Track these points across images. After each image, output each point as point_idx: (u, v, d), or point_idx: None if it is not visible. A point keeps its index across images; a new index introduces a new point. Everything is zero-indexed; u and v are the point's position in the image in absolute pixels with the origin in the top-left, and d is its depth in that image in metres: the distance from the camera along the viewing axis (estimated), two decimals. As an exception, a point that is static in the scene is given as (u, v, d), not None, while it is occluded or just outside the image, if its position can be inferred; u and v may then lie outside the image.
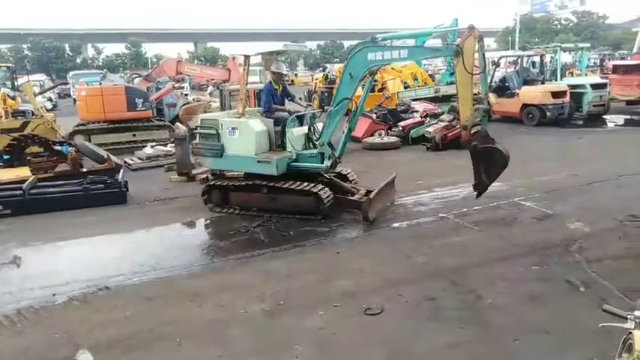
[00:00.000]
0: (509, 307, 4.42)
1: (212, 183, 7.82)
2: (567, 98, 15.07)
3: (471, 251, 5.75)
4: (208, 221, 7.40)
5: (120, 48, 69.72)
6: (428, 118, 13.65)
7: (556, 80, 17.11)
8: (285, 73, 8.07)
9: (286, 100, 7.94)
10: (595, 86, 16.03)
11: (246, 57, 8.10)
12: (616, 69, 18.98)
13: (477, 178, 6.27)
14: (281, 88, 7.81)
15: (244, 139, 7.14)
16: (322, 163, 7.03)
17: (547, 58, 18.09)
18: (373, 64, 6.58)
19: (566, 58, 21.56)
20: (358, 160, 10.77)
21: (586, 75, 20.57)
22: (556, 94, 14.95)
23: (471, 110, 6.11)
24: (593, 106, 15.80)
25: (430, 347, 3.88)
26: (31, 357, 3.87)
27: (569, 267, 5.22)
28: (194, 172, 9.85)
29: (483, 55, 5.98)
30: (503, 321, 4.20)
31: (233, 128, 7.25)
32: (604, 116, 16.57)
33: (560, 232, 6.23)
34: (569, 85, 15.57)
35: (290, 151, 7.17)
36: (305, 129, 7.44)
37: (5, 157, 10.18)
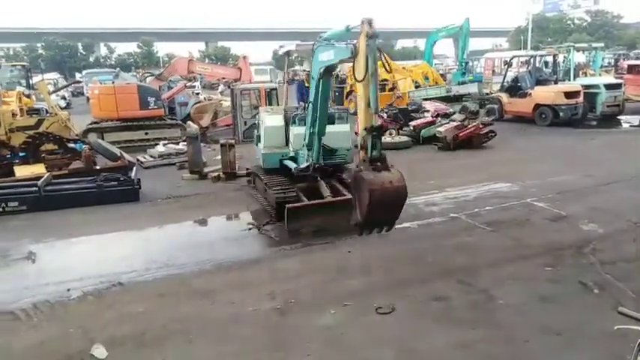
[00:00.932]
0: (521, 307, 4.41)
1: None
2: (581, 98, 14.91)
3: (483, 251, 5.72)
4: (220, 219, 7.45)
5: (132, 47, 70.30)
6: (439, 118, 13.58)
7: (569, 80, 16.95)
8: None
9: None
10: (609, 86, 15.85)
11: (287, 54, 8.26)
12: (631, 69, 18.78)
13: (354, 208, 5.06)
14: None
15: (261, 131, 7.86)
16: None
17: (560, 58, 17.94)
18: (322, 64, 6.06)
19: (579, 57, 21.35)
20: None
21: (600, 75, 20.35)
22: (569, 95, 14.81)
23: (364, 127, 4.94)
24: (607, 106, 15.63)
25: (440, 347, 3.87)
26: (46, 350, 3.93)
27: (583, 268, 5.17)
28: (206, 170, 9.93)
29: (367, 57, 4.75)
30: (515, 321, 4.18)
31: (262, 121, 7.98)
32: (618, 117, 16.37)
33: (574, 234, 6.19)
34: (582, 85, 15.42)
35: (291, 149, 7.39)
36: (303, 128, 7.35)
37: (21, 154, 10.33)
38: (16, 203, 7.76)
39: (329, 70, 6.16)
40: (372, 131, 4.86)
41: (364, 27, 4.78)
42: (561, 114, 14.69)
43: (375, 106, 4.88)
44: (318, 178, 7.09)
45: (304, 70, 8.07)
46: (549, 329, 4.02)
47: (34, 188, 7.96)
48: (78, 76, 42.77)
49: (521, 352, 3.78)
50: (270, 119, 7.77)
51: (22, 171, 9.46)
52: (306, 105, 6.81)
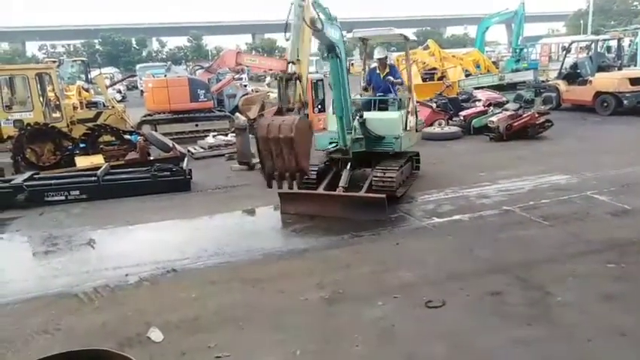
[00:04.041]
0: (582, 305, 4.18)
1: None
2: (648, 85, 13.94)
3: (539, 246, 5.48)
4: (268, 209, 7.53)
5: (182, 41, 72.40)
6: (491, 107, 13.11)
7: (635, 66, 15.89)
8: (380, 57, 8.23)
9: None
10: (680, 72, 14.72)
11: (363, 40, 8.19)
12: None
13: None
14: (384, 73, 8.11)
15: None
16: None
17: (625, 43, 16.82)
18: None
19: (647, 41, 19.93)
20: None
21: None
22: (635, 81, 13.88)
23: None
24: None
25: (494, 343, 3.74)
26: (107, 332, 4.12)
27: (650, 266, 4.85)
28: (254, 161, 10.05)
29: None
30: (575, 320, 3.97)
31: None
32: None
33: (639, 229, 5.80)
34: (650, 71, 14.41)
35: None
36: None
37: (81, 145, 10.89)
38: (77, 192, 8.20)
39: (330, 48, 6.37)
40: (285, 79, 5.34)
41: None
42: (625, 102, 13.79)
43: (290, 55, 5.43)
44: (348, 166, 7.21)
45: (378, 59, 8.07)
46: (613, 329, 3.80)
47: (94, 178, 8.37)
48: (115, 70, 44.59)
49: (584, 351, 3.59)
50: None
51: (82, 161, 9.98)
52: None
